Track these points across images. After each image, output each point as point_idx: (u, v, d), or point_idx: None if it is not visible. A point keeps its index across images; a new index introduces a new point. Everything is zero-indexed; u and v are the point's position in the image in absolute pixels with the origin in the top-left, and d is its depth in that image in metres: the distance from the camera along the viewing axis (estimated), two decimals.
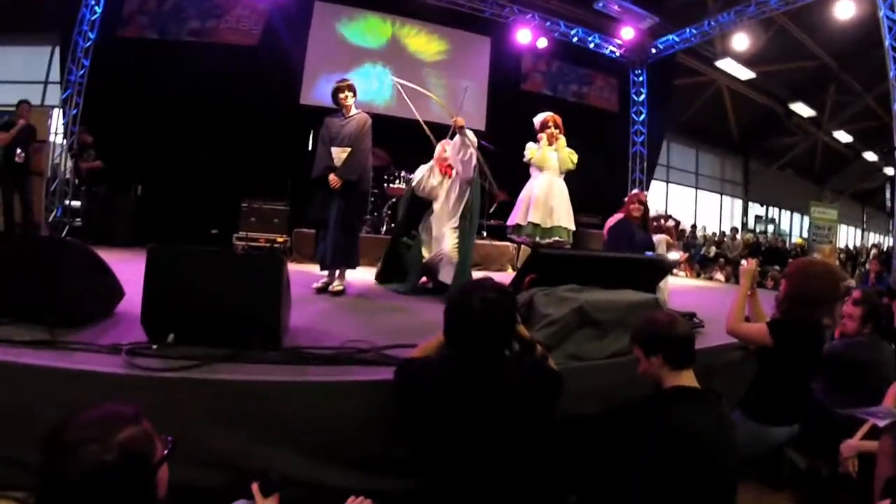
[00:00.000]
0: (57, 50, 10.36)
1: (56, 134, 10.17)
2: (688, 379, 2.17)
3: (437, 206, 5.13)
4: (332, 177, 4.64)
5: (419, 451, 2.04)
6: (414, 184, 5.20)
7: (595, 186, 10.15)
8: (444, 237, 4.99)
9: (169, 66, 9.48)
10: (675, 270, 6.13)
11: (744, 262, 3.48)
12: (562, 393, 2.13)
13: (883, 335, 3.50)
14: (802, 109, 18.77)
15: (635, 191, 8.06)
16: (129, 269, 2.97)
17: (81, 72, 9.60)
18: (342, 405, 2.29)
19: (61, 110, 9.85)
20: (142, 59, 9.52)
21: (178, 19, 10.14)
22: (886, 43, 9.17)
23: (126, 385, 2.19)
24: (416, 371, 2.10)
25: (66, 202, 9.44)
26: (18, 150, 7.40)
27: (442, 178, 5.15)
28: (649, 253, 5.07)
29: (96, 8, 9.65)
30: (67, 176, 9.62)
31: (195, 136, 9.28)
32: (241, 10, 10.43)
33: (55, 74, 10.79)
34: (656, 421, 2.00)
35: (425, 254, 5.02)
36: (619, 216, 5.80)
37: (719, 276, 11.72)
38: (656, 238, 5.81)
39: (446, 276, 4.82)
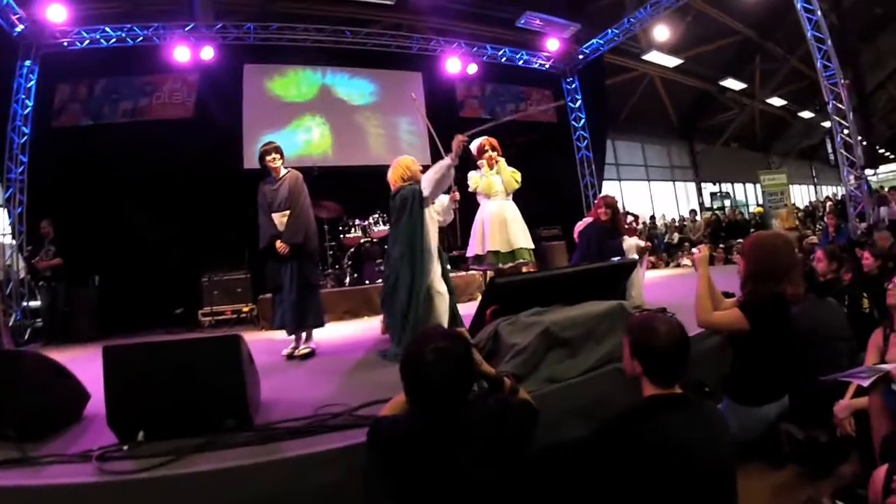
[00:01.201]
0: None
1: (3, 235, 9.96)
2: (668, 388, 2.07)
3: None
4: (278, 244, 4.65)
5: None
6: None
7: (549, 199, 10.28)
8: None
9: (109, 150, 9.33)
10: (643, 260, 6.13)
11: (695, 250, 3.49)
12: (535, 423, 2.12)
13: (818, 292, 3.55)
14: (734, 84, 19.37)
15: (604, 194, 8.17)
16: (94, 367, 2.90)
17: (21, 168, 9.39)
18: (319, 476, 2.26)
19: (5, 210, 9.64)
20: (80, 148, 9.34)
21: (110, 102, 10.03)
22: (798, 6, 9.58)
23: (100, 493, 2.15)
24: (384, 430, 2.07)
25: (24, 303, 9.19)
26: None
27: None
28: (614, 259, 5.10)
29: (27, 102, 9.48)
30: (21, 276, 9.38)
31: (146, 216, 9.11)
32: (172, 83, 10.38)
33: None
34: (636, 437, 1.93)
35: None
36: (588, 220, 5.87)
37: (686, 261, 11.88)
38: (626, 243, 5.87)
39: None
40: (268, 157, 4.82)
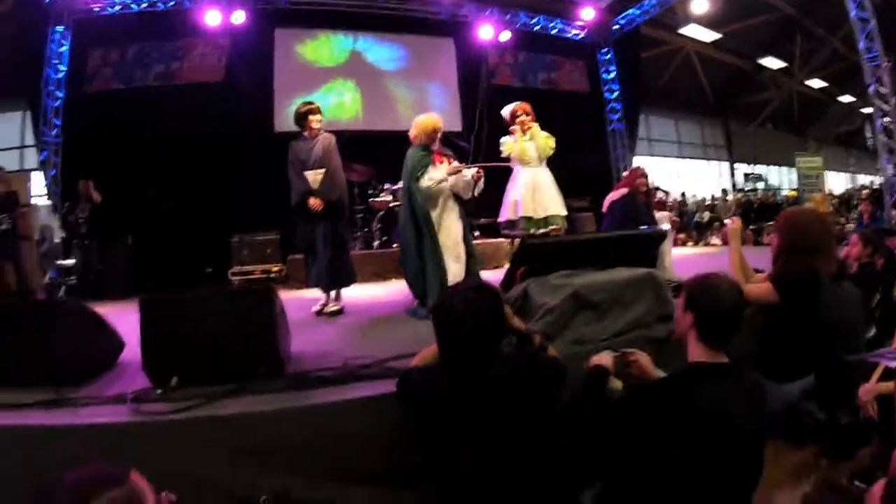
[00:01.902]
0: (28, 114, 10.36)
1: (39, 196, 10.19)
2: (714, 355, 2.02)
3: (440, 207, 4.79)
4: (312, 200, 4.65)
5: (429, 458, 2.03)
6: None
7: (579, 169, 10.13)
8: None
9: (140, 114, 9.51)
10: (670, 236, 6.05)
11: (727, 221, 3.45)
12: (564, 380, 2.12)
13: (837, 275, 3.48)
14: (772, 63, 18.84)
15: (636, 166, 8.05)
16: (127, 319, 2.99)
17: (55, 132, 9.65)
18: (349, 423, 2.30)
19: (42, 172, 9.88)
20: (113, 111, 9.54)
21: (142, 66, 10.18)
22: None
23: (134, 432, 2.22)
24: (416, 379, 2.11)
25: (59, 262, 9.42)
26: (6, 217, 7.35)
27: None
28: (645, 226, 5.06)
29: (60, 67, 9.69)
30: (56, 239, 9.61)
31: (177, 179, 9.32)
32: (203, 47, 10.47)
33: (29, 138, 10.76)
34: (678, 404, 1.91)
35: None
36: (622, 191, 5.71)
37: (715, 240, 11.73)
38: (659, 215, 5.80)
39: None
40: (311, 117, 4.82)
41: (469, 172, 4.74)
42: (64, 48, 9.72)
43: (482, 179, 4.79)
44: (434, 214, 4.66)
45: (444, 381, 1.99)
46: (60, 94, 9.69)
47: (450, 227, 4.71)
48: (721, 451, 1.85)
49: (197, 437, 2.21)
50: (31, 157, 10.78)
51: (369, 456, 2.28)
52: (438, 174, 4.71)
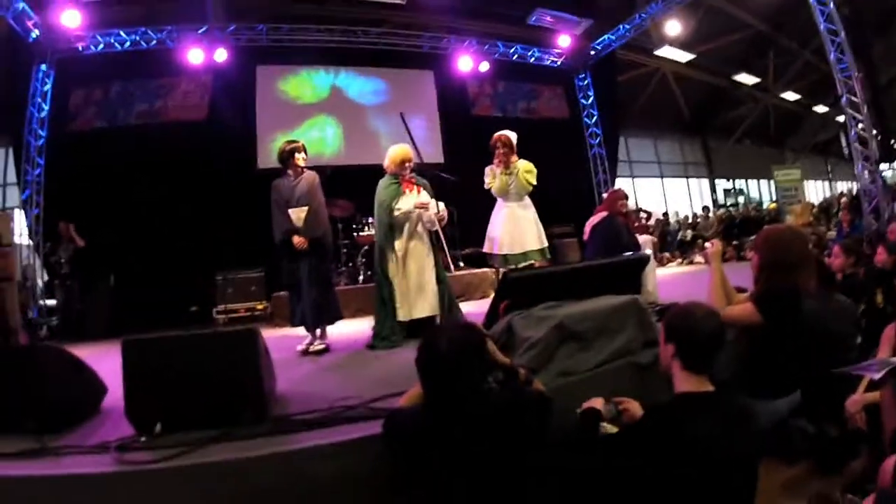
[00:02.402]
0: (10, 152, 10.27)
1: (20, 235, 10.10)
2: (699, 383, 2.04)
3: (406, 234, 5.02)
4: (296, 239, 4.68)
5: (418, 499, 2.02)
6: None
7: (561, 196, 10.25)
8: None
9: (123, 152, 9.50)
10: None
11: (707, 244, 3.48)
12: (550, 413, 2.13)
13: (827, 286, 3.51)
14: (747, 79, 19.17)
15: (615, 188, 8.11)
16: (109, 362, 2.97)
17: (37, 171, 9.58)
18: (336, 466, 2.29)
19: (23, 211, 9.79)
20: (96, 150, 9.53)
21: (125, 105, 10.18)
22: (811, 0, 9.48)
23: (118, 482, 2.19)
24: (402, 421, 2.11)
25: (41, 301, 9.32)
26: None
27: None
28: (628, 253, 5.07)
29: (43, 105, 9.66)
30: (38, 276, 9.53)
31: (160, 217, 9.31)
32: (186, 85, 10.51)
33: (11, 176, 10.69)
34: (667, 437, 1.92)
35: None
36: (601, 214, 5.71)
37: (699, 258, 11.81)
38: (642, 239, 5.83)
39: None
40: (297, 155, 4.86)
41: (434, 210, 4.93)
42: (47, 87, 9.70)
43: (444, 221, 5.03)
44: (399, 243, 4.91)
45: (429, 421, 1.98)
46: (43, 133, 9.65)
47: (416, 255, 4.91)
48: (711, 479, 1.85)
49: (183, 487, 2.18)
50: (13, 196, 10.74)
51: (358, 499, 2.27)
52: (405, 205, 4.90)
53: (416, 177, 5.10)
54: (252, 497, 2.21)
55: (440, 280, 4.96)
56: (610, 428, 2.24)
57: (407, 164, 5.00)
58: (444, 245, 5.19)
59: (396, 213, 4.89)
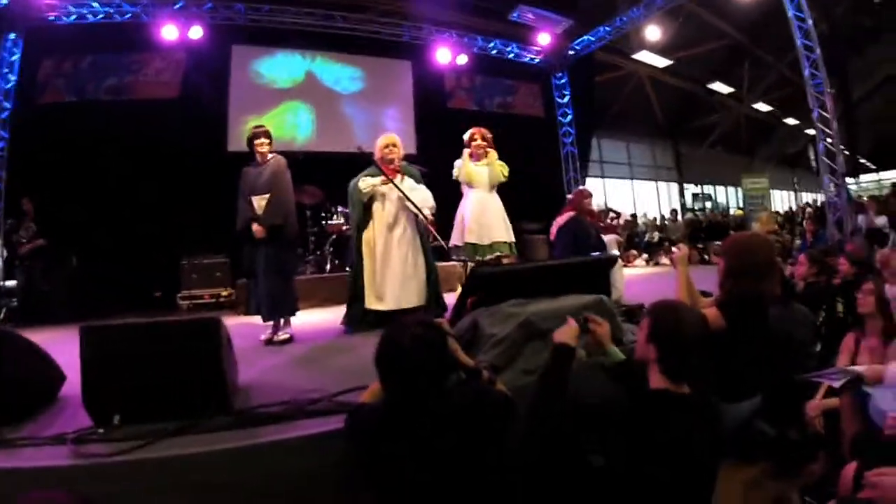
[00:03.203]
0: None
1: None
2: (676, 385, 2.05)
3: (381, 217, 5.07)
4: (255, 227, 4.61)
5: (379, 495, 2.00)
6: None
7: (532, 192, 10.29)
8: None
9: (91, 128, 9.20)
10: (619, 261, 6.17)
11: (675, 249, 3.51)
12: (511, 414, 2.11)
13: (794, 296, 3.59)
14: (721, 87, 19.55)
15: (580, 187, 8.17)
16: (70, 349, 2.89)
17: (1, 144, 9.27)
18: (299, 461, 2.27)
19: None
20: (63, 124, 9.22)
21: (95, 79, 9.87)
22: (790, 14, 9.69)
23: (75, 475, 2.13)
24: (361, 417, 2.08)
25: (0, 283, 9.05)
26: None
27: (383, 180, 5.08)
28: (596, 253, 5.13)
29: (10, 76, 9.34)
30: None
31: (126, 197, 9.05)
32: (159, 62, 10.23)
33: None
34: (641, 433, 1.94)
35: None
36: (568, 214, 5.79)
37: (665, 260, 11.98)
38: (607, 238, 5.88)
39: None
40: (256, 141, 4.80)
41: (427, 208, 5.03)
42: (15, 57, 9.38)
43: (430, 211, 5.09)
44: (378, 230, 4.96)
45: (389, 418, 1.97)
46: (8, 105, 9.32)
47: (400, 244, 4.95)
48: (676, 479, 1.88)
49: (141, 480, 2.14)
50: None
51: (320, 494, 2.25)
52: (374, 179, 4.96)
53: (402, 165, 5.13)
54: (213, 491, 2.17)
55: (430, 270, 5.02)
56: (580, 352, 2.33)
57: (388, 149, 5.02)
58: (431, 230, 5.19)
59: (363, 185, 4.96)
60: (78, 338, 2.52)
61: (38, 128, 9.15)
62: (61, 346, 3.13)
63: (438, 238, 5.16)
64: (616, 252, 5.70)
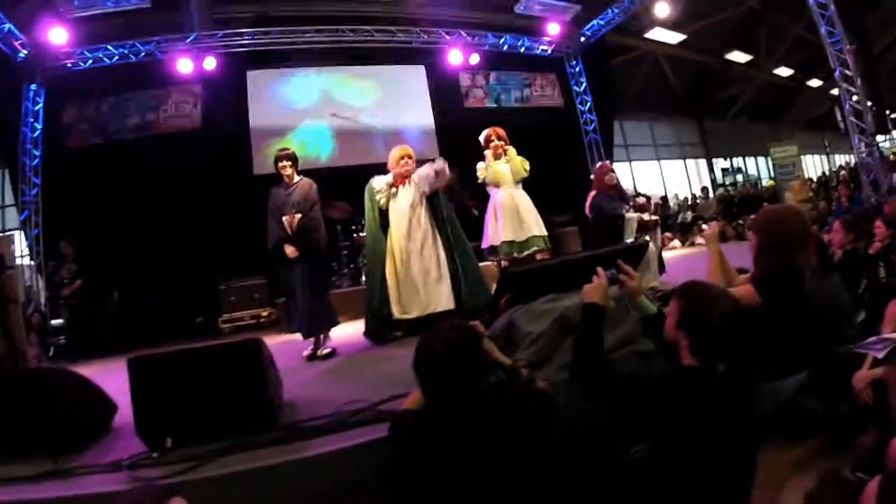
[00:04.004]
0: (6, 173, 10.36)
1: (22, 257, 10.13)
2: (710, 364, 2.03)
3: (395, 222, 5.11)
4: (287, 248, 4.71)
5: (427, 500, 2.02)
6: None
7: (558, 184, 10.25)
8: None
9: (119, 166, 9.55)
10: (656, 237, 6.13)
11: (705, 226, 3.46)
12: (551, 412, 2.12)
13: (825, 265, 3.50)
14: (739, 56, 19.10)
15: (599, 163, 8.11)
16: (119, 379, 3.00)
17: (34, 191, 9.61)
18: (346, 471, 2.32)
19: (22, 232, 9.83)
20: (91, 165, 9.57)
21: (118, 119, 10.23)
22: None
23: None
24: (404, 424, 2.11)
25: (47, 322, 9.35)
26: None
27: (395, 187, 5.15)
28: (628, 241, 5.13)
29: (36, 125, 9.69)
30: (42, 296, 9.56)
31: (160, 229, 9.32)
32: (178, 95, 10.54)
33: (9, 198, 10.74)
34: (674, 408, 1.93)
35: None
36: (591, 193, 5.90)
37: (700, 239, 11.79)
38: (628, 215, 5.86)
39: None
40: (279, 164, 4.91)
41: (424, 169, 5.06)
42: (39, 105, 9.73)
43: (444, 174, 5.08)
44: (396, 240, 4.98)
45: (430, 422, 1.99)
46: (37, 153, 9.67)
47: (420, 251, 4.97)
48: (713, 455, 1.86)
49: (195, 500, 2.19)
50: (12, 218, 10.76)
51: (367, 502, 2.27)
52: (386, 178, 5.07)
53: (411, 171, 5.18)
54: None
55: (459, 267, 5.03)
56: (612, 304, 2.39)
57: (404, 160, 5.07)
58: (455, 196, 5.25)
59: (376, 184, 5.07)
60: (124, 370, 2.62)
61: (69, 171, 9.53)
62: (111, 377, 3.26)
63: (451, 232, 5.15)
64: (632, 230, 5.68)
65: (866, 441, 2.75)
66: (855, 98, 9.47)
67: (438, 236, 5.08)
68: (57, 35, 9.20)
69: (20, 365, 7.14)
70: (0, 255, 7.49)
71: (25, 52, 9.35)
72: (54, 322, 8.96)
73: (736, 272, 3.35)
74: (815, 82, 22.14)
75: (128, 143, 10.06)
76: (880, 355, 2.59)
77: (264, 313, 8.14)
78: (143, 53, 10.24)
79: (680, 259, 9.33)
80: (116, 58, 10.12)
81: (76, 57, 9.90)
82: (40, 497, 2.24)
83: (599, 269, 2.45)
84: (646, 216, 6.20)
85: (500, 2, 12.34)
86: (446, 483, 1.92)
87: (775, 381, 2.85)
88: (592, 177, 5.99)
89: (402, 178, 5.07)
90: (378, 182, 5.11)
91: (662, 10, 12.48)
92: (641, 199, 9.49)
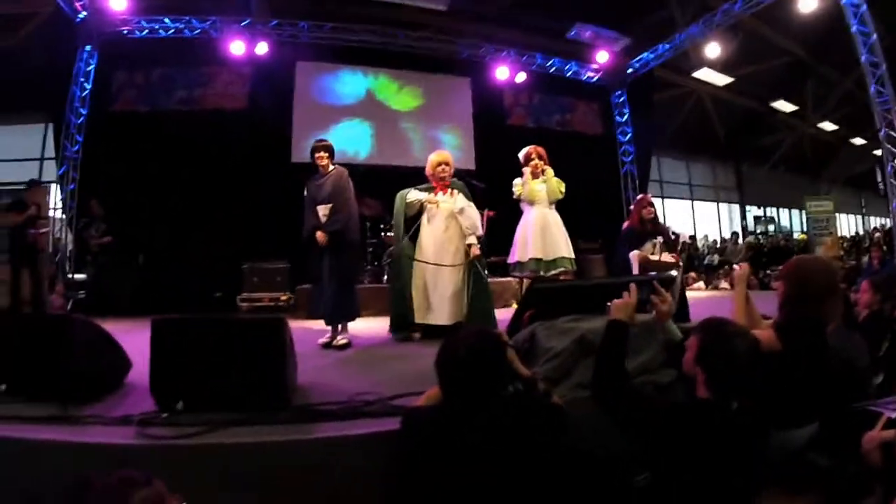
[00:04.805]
0: (51, 127, 10.64)
1: (55, 209, 10.37)
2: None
3: (429, 231, 5.15)
4: (318, 234, 4.78)
5: (427, 498, 2.05)
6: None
7: (590, 211, 10.24)
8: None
9: (161, 136, 9.76)
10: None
11: (736, 267, 3.46)
12: (564, 426, 2.14)
13: (850, 322, 3.47)
14: (784, 106, 18.98)
15: (640, 195, 8.10)
16: (134, 339, 3.07)
17: (76, 147, 9.89)
18: (350, 458, 2.33)
19: (58, 186, 10.12)
20: (134, 131, 9.82)
21: (166, 90, 10.48)
22: (853, 29, 9.38)
23: (139, 455, 2.25)
24: (420, 419, 2.13)
25: (70, 275, 9.55)
26: (32, 231, 7.57)
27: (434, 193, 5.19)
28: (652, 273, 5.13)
29: (86, 85, 9.98)
30: (69, 249, 9.77)
31: (192, 202, 9.54)
32: (227, 75, 10.75)
33: (50, 151, 11.03)
34: (684, 437, 1.96)
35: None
36: (627, 223, 5.93)
37: (724, 284, 11.70)
38: (649, 242, 5.87)
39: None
40: (316, 154, 5.00)
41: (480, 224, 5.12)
42: (91, 67, 10.02)
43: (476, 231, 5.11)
44: (429, 245, 5.05)
45: (445, 421, 2.01)
46: (84, 112, 9.96)
47: (449, 260, 5.01)
48: (713, 488, 1.89)
49: (201, 464, 2.23)
50: (50, 170, 11.00)
51: (370, 493, 2.29)
52: (421, 195, 5.11)
53: (453, 180, 5.21)
54: (267, 480, 2.25)
55: (475, 290, 5.01)
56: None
57: (441, 167, 5.09)
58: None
59: (411, 198, 5.11)
60: (140, 331, 2.68)
61: (111, 134, 9.79)
62: (127, 336, 3.31)
63: (479, 268, 5.11)
64: (653, 252, 5.68)
65: (871, 502, 2.72)
66: None
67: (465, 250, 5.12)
68: (117, 1, 9.52)
69: (43, 310, 7.39)
70: (37, 205, 7.78)
71: (84, 13, 9.66)
72: (77, 276, 9.13)
73: (760, 316, 3.33)
74: (858, 140, 21.86)
75: (172, 114, 10.27)
76: (894, 415, 2.57)
77: (283, 297, 8.19)
78: (198, 30, 10.51)
79: (701, 301, 9.23)
80: (172, 31, 10.41)
81: (133, 25, 10.19)
82: (49, 438, 2.27)
83: (632, 286, 2.46)
84: (658, 257, 6.15)
85: (551, 25, 12.39)
86: (452, 484, 1.93)
87: (786, 430, 2.84)
88: (631, 207, 6.01)
89: (443, 187, 5.12)
90: (413, 195, 5.16)
91: (713, 50, 12.45)
92: (671, 236, 9.44)
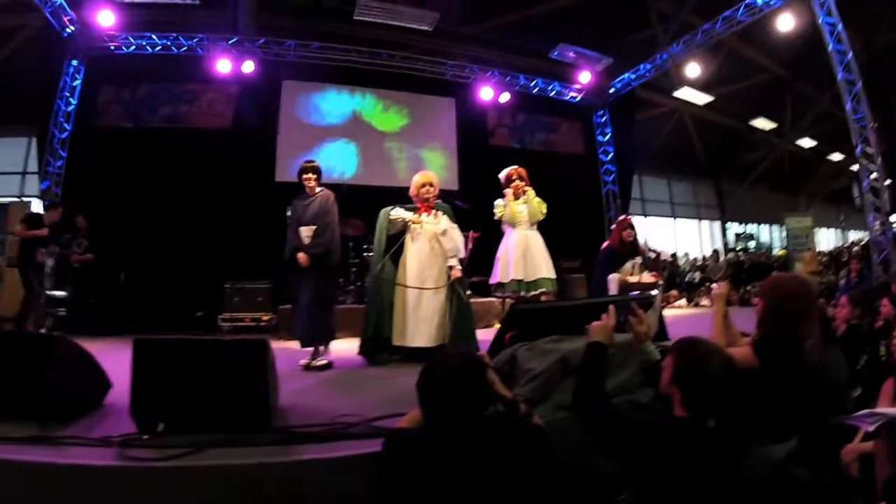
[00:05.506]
0: (34, 142, 10.57)
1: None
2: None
3: (412, 252, 5.14)
4: (300, 255, 4.81)
5: None
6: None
7: (572, 231, 10.30)
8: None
9: (145, 153, 9.70)
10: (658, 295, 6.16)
11: (714, 286, 3.50)
12: (545, 447, 2.16)
13: (827, 338, 3.52)
14: (764, 123, 19.28)
15: (621, 217, 8.17)
16: (114, 359, 3.04)
17: (59, 163, 9.80)
18: (332, 480, 2.33)
19: (41, 201, 9.95)
20: (118, 147, 9.72)
21: (151, 106, 10.42)
22: (830, 48, 9.49)
23: (120, 477, 2.24)
24: (402, 441, 2.14)
25: (50, 292, 9.43)
26: (43, 250, 7.60)
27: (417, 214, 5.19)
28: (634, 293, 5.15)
29: (71, 100, 9.91)
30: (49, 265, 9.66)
31: (175, 220, 9.43)
32: (213, 94, 10.72)
33: (33, 165, 10.94)
34: (662, 457, 1.98)
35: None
36: (606, 244, 5.94)
37: (705, 301, 11.80)
38: (628, 263, 5.91)
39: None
40: (304, 175, 5.04)
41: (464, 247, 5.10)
42: (77, 82, 9.97)
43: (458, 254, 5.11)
44: (413, 265, 5.03)
45: (427, 444, 2.02)
46: (68, 127, 9.89)
47: (431, 282, 4.99)
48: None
49: (182, 486, 2.24)
50: (33, 185, 10.92)
51: None
52: (405, 213, 5.10)
53: (438, 202, 5.24)
54: (242, 502, 2.25)
55: (457, 311, 5.00)
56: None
57: (425, 188, 5.12)
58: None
59: (394, 215, 5.11)
60: (121, 351, 2.68)
61: (95, 150, 9.69)
62: (106, 356, 3.29)
63: (460, 290, 5.10)
64: (632, 271, 5.72)
65: None
66: (874, 176, 9.48)
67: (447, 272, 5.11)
68: (105, 17, 9.51)
69: (22, 328, 7.30)
70: (51, 226, 7.70)
71: (72, 28, 9.63)
72: (57, 293, 9.03)
73: (739, 333, 3.38)
74: (836, 156, 22.24)
75: (157, 132, 10.22)
76: (870, 429, 2.61)
77: (265, 317, 8.16)
78: (185, 48, 10.48)
79: (683, 318, 9.32)
80: (159, 48, 10.38)
81: (120, 41, 10.15)
82: (27, 460, 2.26)
83: (611, 308, 2.50)
84: (638, 277, 6.18)
85: (535, 46, 12.55)
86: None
87: (766, 445, 2.87)
88: (612, 227, 6.05)
89: (427, 208, 5.14)
90: (397, 212, 5.17)
91: (693, 70, 12.67)
92: (651, 255, 9.51)
